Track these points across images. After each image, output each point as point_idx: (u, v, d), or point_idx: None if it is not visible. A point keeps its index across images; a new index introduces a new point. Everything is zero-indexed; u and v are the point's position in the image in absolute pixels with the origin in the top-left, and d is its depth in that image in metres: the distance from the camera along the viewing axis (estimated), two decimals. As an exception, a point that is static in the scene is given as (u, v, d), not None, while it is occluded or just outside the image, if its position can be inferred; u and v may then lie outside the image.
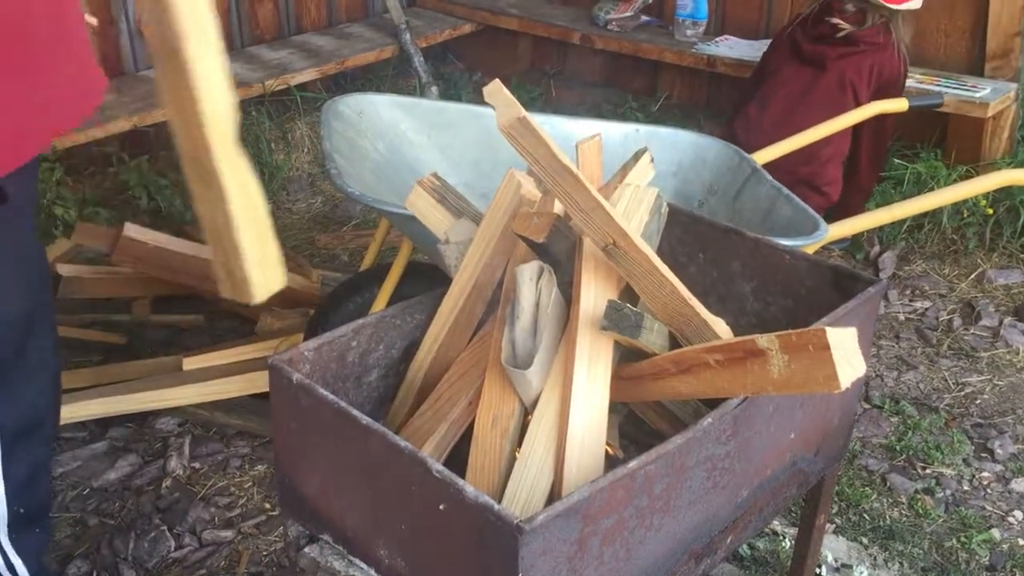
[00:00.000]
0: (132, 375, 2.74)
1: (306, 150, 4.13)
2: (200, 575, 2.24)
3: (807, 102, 3.37)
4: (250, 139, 3.94)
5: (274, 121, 4.05)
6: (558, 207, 1.43)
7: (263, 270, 1.21)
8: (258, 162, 3.94)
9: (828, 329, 1.16)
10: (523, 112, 1.12)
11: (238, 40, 4.23)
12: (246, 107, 3.96)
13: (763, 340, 1.22)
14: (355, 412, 1.26)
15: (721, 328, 1.40)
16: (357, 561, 1.37)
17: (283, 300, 3.02)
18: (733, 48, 4.12)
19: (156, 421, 2.67)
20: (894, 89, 3.37)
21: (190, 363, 2.72)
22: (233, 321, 3.09)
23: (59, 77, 1.53)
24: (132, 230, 2.89)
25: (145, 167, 3.65)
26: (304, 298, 3.06)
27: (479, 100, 4.65)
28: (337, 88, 4.32)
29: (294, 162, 4.10)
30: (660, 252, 1.43)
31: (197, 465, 2.56)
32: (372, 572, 1.35)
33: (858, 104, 3.33)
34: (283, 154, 4.07)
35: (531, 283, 1.31)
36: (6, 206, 1.52)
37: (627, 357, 1.41)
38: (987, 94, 3.51)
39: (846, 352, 1.17)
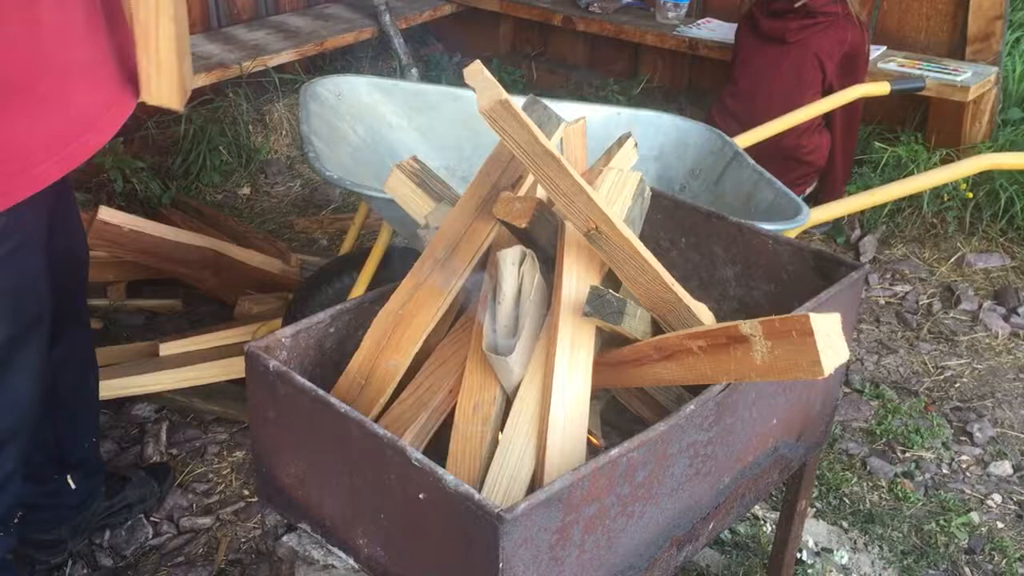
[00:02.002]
0: (107, 361, 2.70)
1: (284, 133, 4.08)
2: (178, 562, 2.21)
3: (774, 78, 3.40)
4: (228, 121, 3.89)
5: (252, 103, 4.00)
6: (540, 192, 1.41)
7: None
8: (236, 145, 3.89)
9: (812, 315, 1.14)
10: (504, 94, 1.10)
11: (215, 20, 4.17)
12: (223, 89, 3.91)
13: (746, 326, 1.21)
14: (333, 400, 1.24)
15: (704, 314, 1.39)
16: (335, 550, 1.35)
17: (262, 285, 2.99)
18: (715, 31, 4.10)
19: (132, 407, 2.64)
20: (859, 60, 3.41)
21: (167, 348, 2.69)
22: (210, 306, 3.06)
23: (92, 97, 1.54)
24: (106, 213, 2.85)
25: (120, 149, 3.60)
26: (283, 283, 3.03)
27: (459, 82, 4.60)
28: (315, 70, 4.28)
29: (272, 145, 4.06)
30: (642, 236, 1.41)
31: (174, 452, 2.53)
32: (350, 561, 1.33)
33: (825, 77, 3.37)
34: (261, 137, 4.03)
35: (513, 268, 1.29)
36: (8, 242, 1.51)
37: (609, 343, 1.40)
38: (968, 78, 3.51)
39: (830, 338, 1.16)
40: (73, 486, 2.09)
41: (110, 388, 2.54)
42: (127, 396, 2.61)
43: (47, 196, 1.53)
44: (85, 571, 2.18)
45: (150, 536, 2.28)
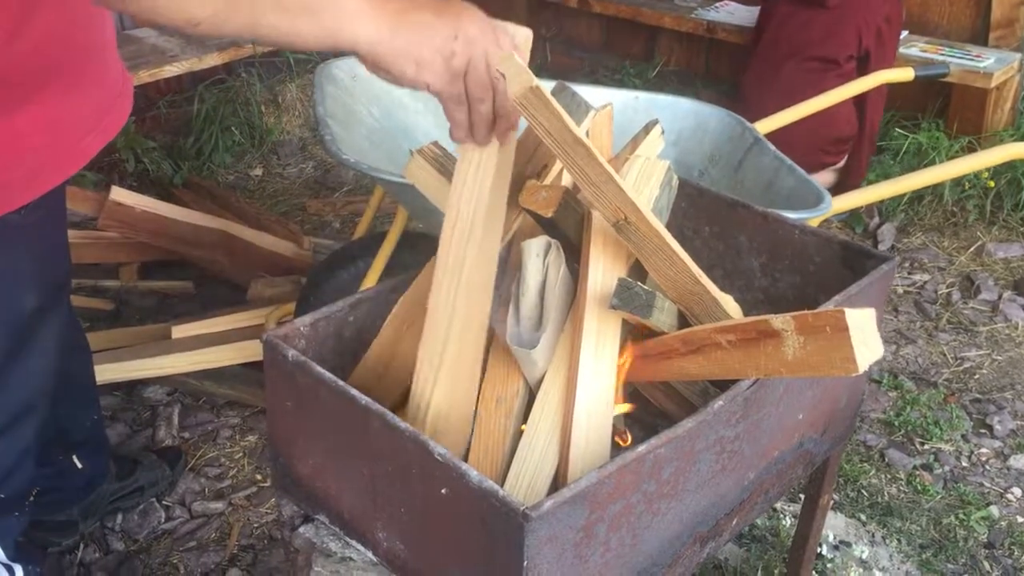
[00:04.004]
0: (120, 342, 2.69)
1: (298, 113, 4.04)
2: (190, 547, 2.20)
3: (809, 38, 3.37)
4: (240, 101, 3.86)
5: (265, 83, 3.97)
6: (566, 179, 1.38)
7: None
8: (248, 125, 3.86)
9: (847, 310, 1.11)
10: (536, 81, 1.06)
11: (228, -1, 4.12)
12: (236, 69, 3.87)
13: (777, 320, 1.17)
14: (354, 391, 1.21)
15: (731, 306, 1.36)
16: (354, 543, 1.33)
17: (274, 267, 2.97)
18: (733, 14, 4.04)
19: (144, 390, 2.62)
20: (894, 37, 3.38)
21: (179, 331, 2.67)
22: (223, 288, 3.04)
23: (117, 68, 1.57)
24: (119, 194, 2.83)
25: (132, 128, 3.57)
26: (295, 265, 3.00)
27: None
28: (329, 50, 4.23)
29: (285, 125, 4.02)
30: (666, 225, 1.38)
31: (187, 435, 2.52)
32: (369, 555, 1.31)
33: (861, 46, 3.33)
34: (274, 117, 3.99)
35: (538, 259, 1.26)
36: (41, 210, 1.51)
37: (632, 335, 1.37)
38: (991, 64, 3.46)
39: (864, 334, 1.13)
40: (79, 465, 2.08)
41: (122, 370, 2.53)
42: (139, 379, 2.59)
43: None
44: (97, 555, 2.17)
45: (162, 520, 2.27)
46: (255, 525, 2.26)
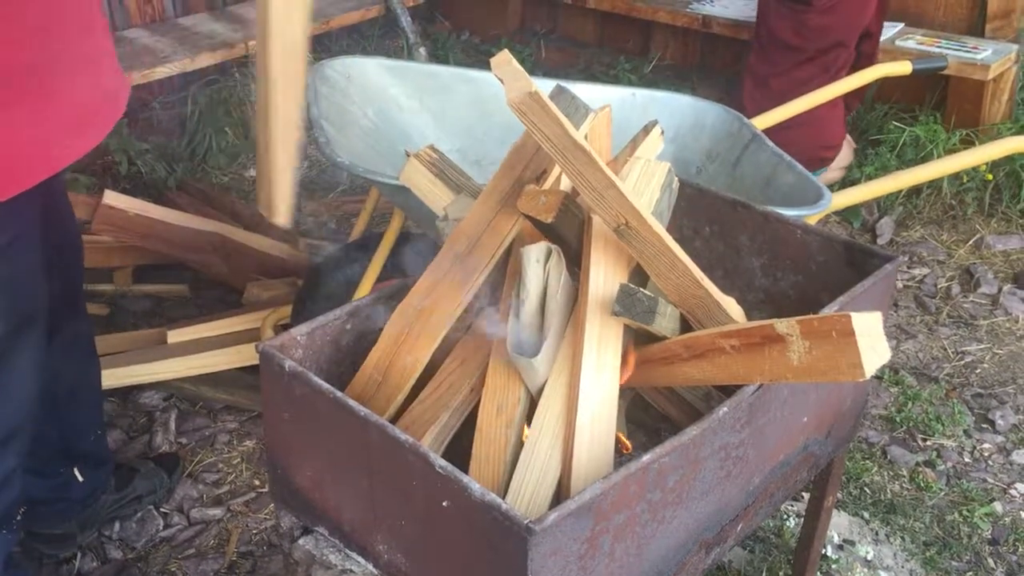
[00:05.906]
0: (115, 348, 2.66)
1: (291, 113, 4.01)
2: (189, 555, 2.18)
3: (801, 36, 3.35)
4: (233, 102, 3.83)
5: (258, 83, 3.93)
6: (565, 183, 1.36)
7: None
8: (242, 125, 3.83)
9: (853, 315, 1.09)
10: (534, 86, 1.04)
11: (220, -1, 4.10)
12: (228, 69, 3.84)
13: (782, 325, 1.16)
14: (352, 403, 1.19)
15: (734, 310, 1.34)
16: (354, 555, 1.31)
17: (270, 269, 2.94)
18: (728, 7, 4.02)
19: (140, 396, 2.60)
20: (880, 21, 3.37)
21: (175, 335, 2.65)
22: (219, 291, 3.01)
23: (90, 91, 1.52)
24: (112, 198, 2.80)
25: (125, 131, 3.54)
26: (291, 267, 2.98)
27: (467, 61, 4.47)
28: (321, 49, 4.20)
29: (279, 125, 3.98)
30: (666, 226, 1.36)
31: (184, 441, 2.49)
32: (370, 567, 1.29)
33: (853, 41, 3.32)
34: (267, 117, 3.95)
35: (538, 266, 1.24)
36: (4, 237, 1.49)
37: (634, 339, 1.35)
38: (988, 56, 3.43)
39: (871, 338, 1.11)
40: (81, 479, 2.06)
41: (118, 376, 2.50)
42: (135, 384, 2.57)
43: (39, 190, 1.49)
44: (95, 564, 2.14)
45: (160, 528, 2.24)
46: (254, 531, 2.24)
